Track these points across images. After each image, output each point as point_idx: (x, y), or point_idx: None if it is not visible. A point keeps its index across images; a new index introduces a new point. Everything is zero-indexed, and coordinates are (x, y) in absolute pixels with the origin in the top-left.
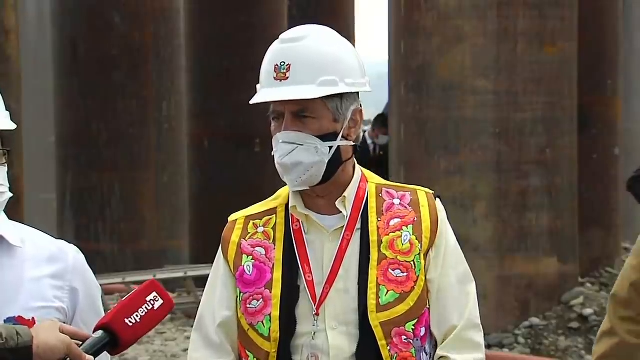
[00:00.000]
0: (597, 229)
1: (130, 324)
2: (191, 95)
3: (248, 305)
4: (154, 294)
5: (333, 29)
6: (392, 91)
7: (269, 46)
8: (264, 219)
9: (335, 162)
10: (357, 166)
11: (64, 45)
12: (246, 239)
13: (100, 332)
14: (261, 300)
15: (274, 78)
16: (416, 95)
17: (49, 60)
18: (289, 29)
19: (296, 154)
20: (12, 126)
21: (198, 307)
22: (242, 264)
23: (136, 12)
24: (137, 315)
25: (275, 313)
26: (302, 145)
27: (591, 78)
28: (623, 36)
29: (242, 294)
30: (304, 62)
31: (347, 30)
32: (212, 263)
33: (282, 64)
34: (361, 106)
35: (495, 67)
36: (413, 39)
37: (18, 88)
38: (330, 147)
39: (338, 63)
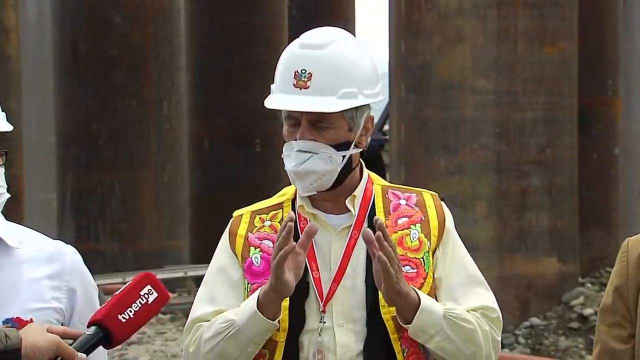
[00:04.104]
0: (597, 229)
1: (124, 320)
2: (191, 95)
3: None
4: (148, 287)
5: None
6: (392, 91)
7: (269, 46)
8: (271, 214)
9: (346, 170)
10: (364, 169)
11: (64, 45)
12: (253, 232)
13: (93, 328)
14: None
15: (294, 85)
16: (416, 95)
17: (49, 60)
18: (289, 29)
19: (310, 163)
20: (9, 128)
21: None
22: (250, 256)
23: (136, 12)
24: (130, 311)
25: (285, 304)
26: (317, 154)
27: (591, 78)
28: (623, 36)
29: (250, 285)
30: (326, 72)
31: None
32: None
33: (303, 71)
34: (372, 113)
35: (495, 67)
36: (413, 39)
37: (18, 88)
38: (344, 156)
39: (358, 74)
